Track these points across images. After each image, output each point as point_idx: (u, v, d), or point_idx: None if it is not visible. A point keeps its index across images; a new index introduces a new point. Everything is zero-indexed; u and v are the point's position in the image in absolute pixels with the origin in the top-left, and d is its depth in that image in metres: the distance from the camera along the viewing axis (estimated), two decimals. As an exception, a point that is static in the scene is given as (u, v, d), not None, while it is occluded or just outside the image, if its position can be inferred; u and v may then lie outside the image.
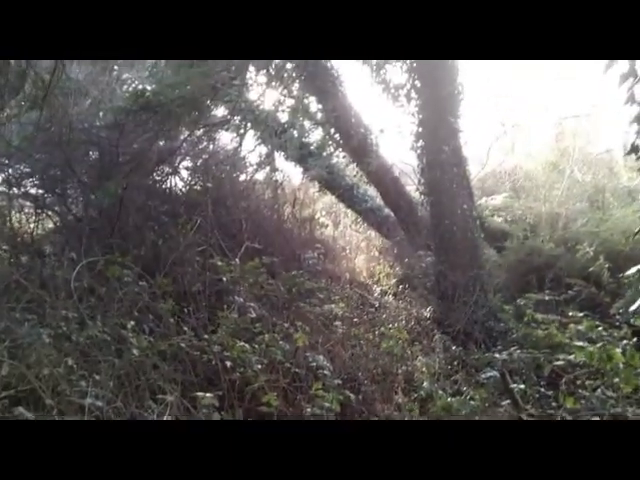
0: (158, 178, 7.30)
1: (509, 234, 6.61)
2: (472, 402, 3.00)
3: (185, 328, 3.65)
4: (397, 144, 6.80)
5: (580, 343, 3.24)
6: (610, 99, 8.21)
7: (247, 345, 3.29)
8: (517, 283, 5.69)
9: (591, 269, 5.27)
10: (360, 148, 7.84)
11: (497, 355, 3.55)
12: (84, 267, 4.51)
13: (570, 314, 4.33)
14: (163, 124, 5.58)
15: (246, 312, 4.30)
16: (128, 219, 5.52)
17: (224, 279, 5.00)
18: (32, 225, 6.21)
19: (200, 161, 8.30)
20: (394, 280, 8.02)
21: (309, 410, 2.80)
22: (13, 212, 6.17)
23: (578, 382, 3.24)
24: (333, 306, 5.46)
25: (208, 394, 2.61)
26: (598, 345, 2.96)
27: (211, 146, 8.59)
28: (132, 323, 3.44)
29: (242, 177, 8.90)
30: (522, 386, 3.04)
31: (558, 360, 3.33)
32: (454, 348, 4.84)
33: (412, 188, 8.32)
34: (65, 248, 5.32)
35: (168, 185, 7.38)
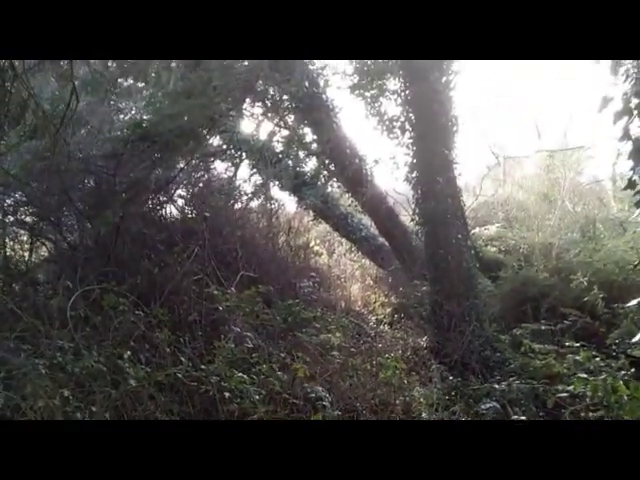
0: (152, 206, 7.34)
1: (503, 264, 6.66)
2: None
3: (182, 358, 3.61)
4: (391, 174, 6.87)
5: (583, 375, 3.23)
6: (601, 133, 8.41)
7: (245, 376, 3.26)
8: (512, 313, 5.71)
9: (586, 299, 5.30)
10: (355, 178, 7.93)
11: (496, 386, 3.52)
12: (79, 296, 4.48)
13: (567, 344, 4.34)
14: (161, 153, 5.64)
15: (242, 342, 4.27)
16: (124, 248, 5.51)
17: (220, 308, 4.99)
18: (26, 254, 6.19)
19: (195, 190, 8.36)
20: (389, 309, 8.01)
21: (309, 442, 2.76)
22: (7, 240, 6.16)
23: (582, 414, 3.22)
24: (330, 336, 5.44)
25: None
26: (601, 377, 2.95)
27: (206, 175, 8.68)
28: (128, 353, 3.40)
29: (237, 206, 8.96)
30: (523, 417, 3.01)
31: (558, 392, 3.32)
32: (451, 378, 4.81)
33: (406, 218, 8.40)
34: (60, 277, 5.29)
35: (163, 213, 7.42)
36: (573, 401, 3.32)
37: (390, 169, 6.67)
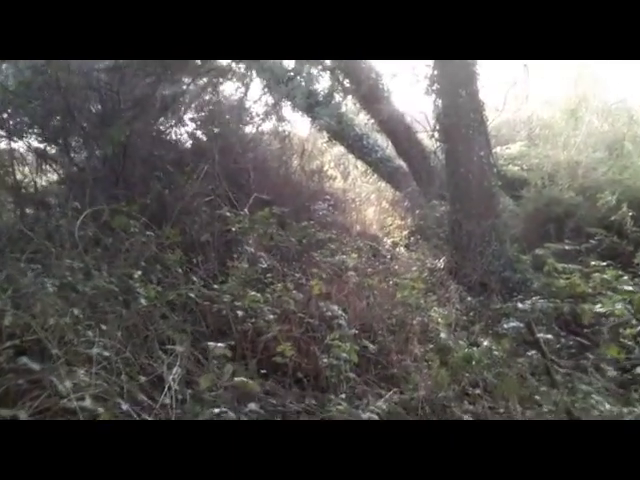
0: (163, 128, 7.12)
1: (526, 182, 6.38)
2: (495, 352, 2.88)
3: (194, 278, 3.52)
4: (410, 88, 6.46)
5: (610, 294, 3.09)
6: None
7: (258, 294, 3.17)
8: (535, 233, 5.51)
9: (613, 218, 5.06)
10: (371, 95, 7.52)
11: (519, 305, 3.40)
12: (89, 217, 4.38)
13: (592, 263, 4.16)
14: (165, 68, 5.32)
15: (256, 262, 4.18)
16: (133, 169, 5.34)
17: (233, 229, 4.87)
18: (35, 176, 6.07)
19: (205, 111, 8.08)
20: (406, 232, 7.87)
21: (325, 360, 2.70)
22: (15, 163, 6.02)
23: (620, 330, 3.11)
24: (345, 257, 5.33)
25: (219, 344, 2.49)
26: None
27: (216, 96, 8.36)
28: (139, 273, 3.31)
29: (248, 128, 8.68)
30: (549, 336, 2.90)
31: (584, 311, 3.19)
32: (470, 299, 4.73)
33: (425, 137, 8.04)
34: (68, 198, 5.18)
35: (173, 135, 7.20)
36: (599, 320, 3.20)
37: (409, 82, 6.25)
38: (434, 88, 5.60)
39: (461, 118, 5.27)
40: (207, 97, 8.21)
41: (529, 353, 2.98)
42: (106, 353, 2.31)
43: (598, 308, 3.12)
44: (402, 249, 6.91)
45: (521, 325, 3.18)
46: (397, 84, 7.78)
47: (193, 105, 7.85)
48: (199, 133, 7.54)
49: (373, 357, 3.12)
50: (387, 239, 7.85)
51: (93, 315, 2.94)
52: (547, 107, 9.45)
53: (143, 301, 2.92)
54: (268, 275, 4.13)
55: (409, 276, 5.42)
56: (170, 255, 4.17)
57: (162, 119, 6.54)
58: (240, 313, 2.98)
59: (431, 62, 5.70)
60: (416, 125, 8.25)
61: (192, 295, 3.34)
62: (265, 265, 3.99)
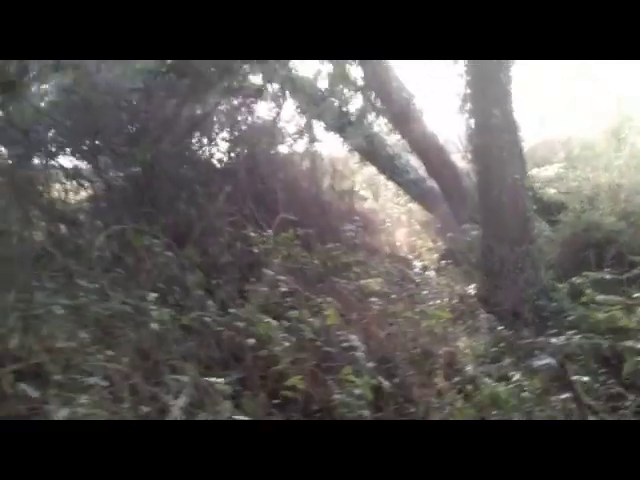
0: (194, 148, 7.15)
1: (564, 206, 6.08)
2: (524, 392, 2.65)
3: (209, 302, 3.42)
4: (443, 110, 6.30)
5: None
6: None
7: (274, 321, 3.03)
8: (572, 260, 5.21)
9: (659, 246, 4.74)
10: (402, 114, 7.39)
11: (554, 340, 3.14)
12: (113, 237, 4.38)
13: (635, 295, 3.87)
14: (193, 88, 5.34)
15: (276, 286, 4.05)
16: (160, 188, 5.35)
17: (256, 250, 4.78)
18: (66, 195, 6.15)
19: (237, 131, 8.11)
20: (436, 255, 7.63)
21: (337, 397, 2.53)
22: (50, 182, 6.13)
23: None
24: (371, 280, 5.16)
25: (219, 379, 2.36)
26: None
27: (249, 117, 8.40)
28: (154, 295, 3.23)
29: (280, 147, 8.68)
30: (586, 378, 2.64)
31: (626, 349, 2.92)
32: (500, 328, 4.47)
33: (457, 157, 7.83)
34: (96, 218, 5.21)
35: (204, 155, 7.22)
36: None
37: (441, 102, 6.09)
38: (467, 107, 5.42)
39: (494, 139, 5.07)
40: (240, 117, 8.28)
41: (562, 396, 2.73)
42: (105, 383, 2.20)
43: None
44: (432, 273, 6.66)
45: (554, 362, 2.94)
46: (430, 103, 7.59)
47: (225, 125, 7.90)
48: (228, 153, 7.56)
49: (392, 392, 2.92)
50: (417, 262, 7.62)
51: (103, 338, 2.87)
52: (587, 128, 9.09)
53: (154, 325, 2.83)
54: (288, 299, 4.00)
55: (437, 302, 5.21)
56: (190, 276, 4.10)
57: (193, 139, 6.56)
58: (253, 340, 2.85)
59: (464, 81, 5.54)
60: (449, 146, 8.05)
61: (207, 319, 3.25)
62: (286, 289, 3.86)
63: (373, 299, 3.94)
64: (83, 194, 6.63)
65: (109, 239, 4.29)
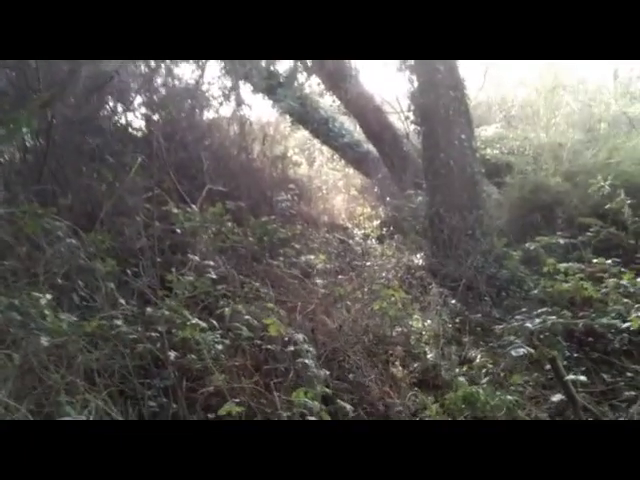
0: (106, 114, 6.30)
1: (510, 168, 5.82)
2: (508, 396, 2.27)
3: (122, 301, 2.81)
4: (381, 65, 5.80)
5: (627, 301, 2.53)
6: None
7: (201, 323, 2.47)
8: (521, 224, 4.97)
9: (608, 206, 4.55)
10: (336, 73, 6.83)
11: (528, 325, 2.79)
12: (4, 222, 3.62)
13: (595, 261, 3.62)
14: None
15: (204, 272, 3.48)
16: (62, 161, 4.55)
17: (178, 231, 4.15)
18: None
19: (155, 96, 7.33)
20: (377, 222, 7.26)
21: (285, 415, 2.04)
22: None
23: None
24: (312, 257, 4.69)
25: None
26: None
27: (168, 80, 7.64)
28: (48, 297, 2.58)
29: (205, 113, 7.96)
30: (583, 378, 2.29)
31: (601, 325, 2.63)
32: (454, 302, 4.15)
33: (396, 119, 7.41)
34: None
35: (116, 122, 6.39)
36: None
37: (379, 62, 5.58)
38: (408, 64, 4.95)
39: (440, 97, 4.64)
40: (159, 80, 7.49)
41: (554, 398, 2.38)
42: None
43: (620, 324, 2.57)
44: (374, 242, 6.28)
45: (531, 351, 2.59)
46: (365, 63, 7.08)
47: (142, 89, 7.09)
48: (146, 120, 6.76)
49: (348, 397, 2.47)
50: (357, 230, 7.23)
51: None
52: (522, 87, 8.94)
53: (44, 341, 2.20)
54: (219, 287, 3.45)
55: (384, 275, 4.82)
56: (99, 265, 3.43)
57: (98, 104, 5.71)
58: (172, 353, 2.28)
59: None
60: (387, 106, 7.61)
61: (119, 323, 2.64)
62: (215, 276, 3.29)
63: (318, 281, 3.46)
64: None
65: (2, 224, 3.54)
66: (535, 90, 8.01)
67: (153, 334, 2.53)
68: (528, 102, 7.59)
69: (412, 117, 5.25)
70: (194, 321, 2.45)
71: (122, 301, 2.79)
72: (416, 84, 4.90)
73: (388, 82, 7.16)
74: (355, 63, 7.15)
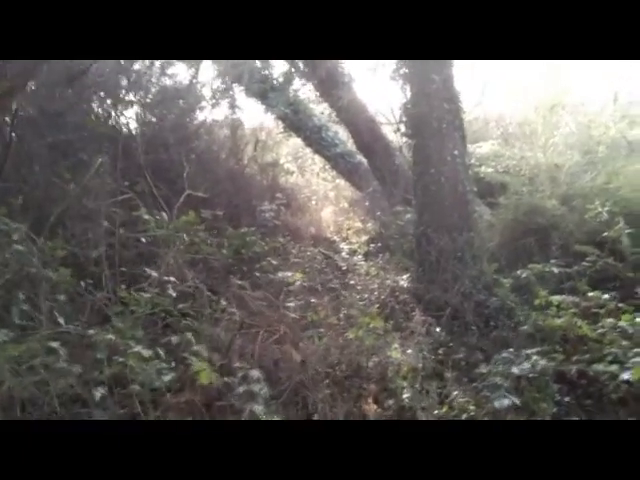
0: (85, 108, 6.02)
1: (503, 187, 5.56)
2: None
3: (60, 320, 2.50)
4: (374, 73, 5.54)
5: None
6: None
7: (145, 352, 2.17)
8: (513, 248, 4.70)
9: (605, 234, 4.30)
10: (329, 79, 6.57)
11: (514, 370, 2.50)
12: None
13: (590, 294, 3.35)
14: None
15: (166, 288, 3.17)
16: (18, 158, 4.24)
17: (143, 239, 3.86)
18: None
19: (149, 96, 7.12)
20: (365, 237, 6.98)
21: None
22: None
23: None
24: (289, 274, 4.40)
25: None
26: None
27: (161, 79, 7.43)
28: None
29: (197, 114, 7.72)
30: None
31: (598, 373, 2.36)
32: (439, 330, 3.86)
33: (390, 131, 7.15)
34: None
35: (96, 118, 6.11)
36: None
37: (373, 66, 5.33)
38: (402, 72, 4.68)
39: (433, 109, 4.37)
40: (152, 79, 7.27)
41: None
42: None
43: (619, 371, 2.29)
44: (360, 258, 5.99)
45: (510, 401, 2.29)
46: (359, 71, 6.83)
47: (133, 86, 6.86)
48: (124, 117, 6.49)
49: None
50: (344, 245, 6.94)
51: None
52: (520, 104, 8.70)
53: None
54: (181, 306, 3.14)
55: (367, 296, 4.53)
56: (52, 275, 3.13)
57: (75, 98, 5.41)
58: (101, 391, 1.97)
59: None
60: (380, 117, 7.36)
61: (54, 345, 2.33)
62: (174, 294, 2.99)
63: (289, 304, 3.16)
64: None
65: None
66: (534, 108, 7.78)
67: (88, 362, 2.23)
68: (526, 120, 7.33)
69: (403, 129, 4.97)
70: (136, 349, 2.15)
71: (61, 320, 2.47)
72: (409, 94, 4.62)
73: (382, 93, 6.89)
74: (349, 70, 6.91)
